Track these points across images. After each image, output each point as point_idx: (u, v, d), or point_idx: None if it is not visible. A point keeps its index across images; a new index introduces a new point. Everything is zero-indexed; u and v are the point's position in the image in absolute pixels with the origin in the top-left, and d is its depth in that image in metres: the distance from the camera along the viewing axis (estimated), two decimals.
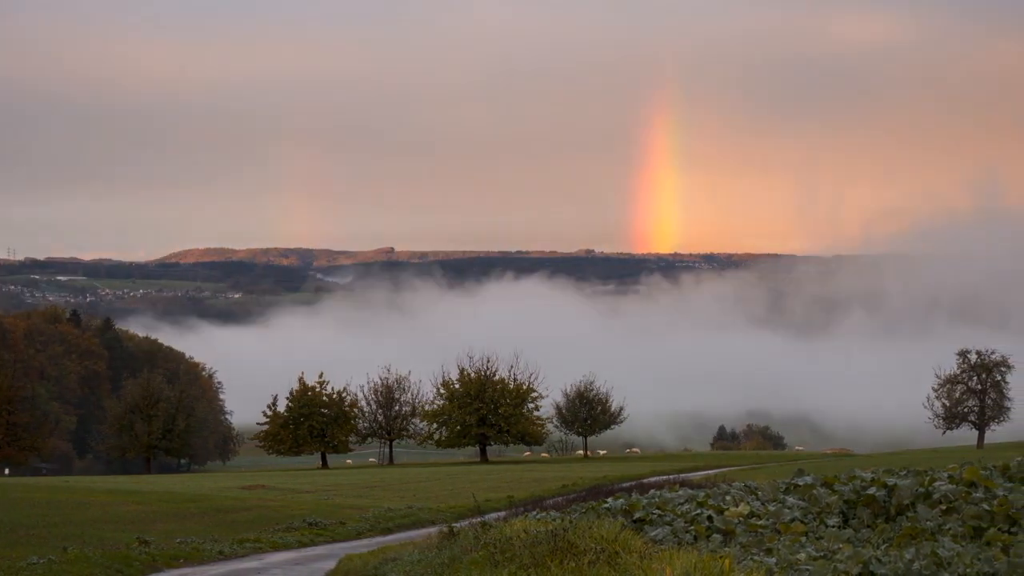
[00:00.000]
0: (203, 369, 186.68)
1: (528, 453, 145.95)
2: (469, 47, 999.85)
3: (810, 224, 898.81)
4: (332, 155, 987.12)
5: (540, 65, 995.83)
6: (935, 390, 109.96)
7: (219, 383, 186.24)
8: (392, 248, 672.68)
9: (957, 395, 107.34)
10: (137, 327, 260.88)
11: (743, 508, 25.08)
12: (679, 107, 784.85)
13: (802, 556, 19.30)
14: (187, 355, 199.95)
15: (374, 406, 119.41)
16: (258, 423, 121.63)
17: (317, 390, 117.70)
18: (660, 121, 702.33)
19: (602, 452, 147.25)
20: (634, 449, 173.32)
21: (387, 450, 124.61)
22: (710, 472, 75.84)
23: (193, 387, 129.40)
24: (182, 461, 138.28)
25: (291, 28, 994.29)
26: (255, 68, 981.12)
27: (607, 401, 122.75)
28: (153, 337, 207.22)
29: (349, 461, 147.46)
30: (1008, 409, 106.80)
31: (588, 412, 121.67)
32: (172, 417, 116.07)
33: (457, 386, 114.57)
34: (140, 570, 34.05)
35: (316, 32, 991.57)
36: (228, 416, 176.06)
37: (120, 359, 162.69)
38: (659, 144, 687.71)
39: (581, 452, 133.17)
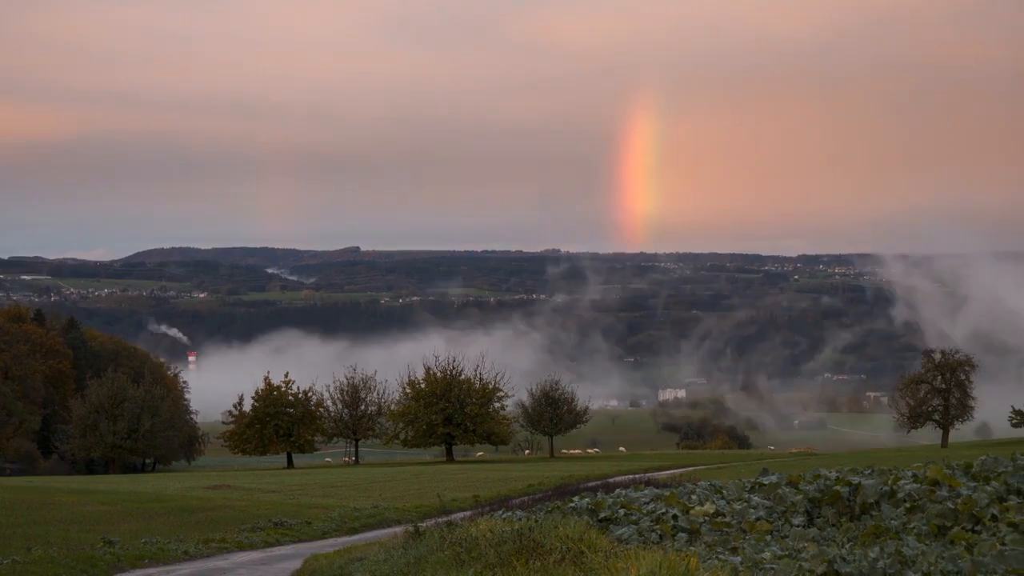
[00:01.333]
0: (168, 368, 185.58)
1: (481, 453, 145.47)
2: (439, 45, 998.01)
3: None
4: (298, 154, 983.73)
5: (509, 63, 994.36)
6: (900, 390, 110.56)
7: (184, 382, 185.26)
8: (357, 247, 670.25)
9: (921, 395, 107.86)
10: (102, 326, 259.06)
11: (708, 507, 25.14)
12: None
13: (767, 555, 19.36)
14: (152, 354, 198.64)
15: (340, 405, 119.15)
16: (224, 422, 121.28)
17: (283, 390, 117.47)
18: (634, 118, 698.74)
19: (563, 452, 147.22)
20: (621, 448, 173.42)
21: (353, 449, 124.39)
22: (676, 471, 75.79)
23: (158, 387, 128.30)
24: (147, 461, 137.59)
25: (266, 27, 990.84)
26: (222, 69, 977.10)
27: (572, 401, 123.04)
28: (118, 336, 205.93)
29: (329, 459, 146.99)
30: (972, 408, 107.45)
31: (553, 412, 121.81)
32: (137, 417, 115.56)
33: (423, 385, 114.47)
34: (105, 570, 33.84)
35: (287, 31, 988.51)
36: (194, 416, 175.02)
37: (85, 358, 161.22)
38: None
39: (529, 452, 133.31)
